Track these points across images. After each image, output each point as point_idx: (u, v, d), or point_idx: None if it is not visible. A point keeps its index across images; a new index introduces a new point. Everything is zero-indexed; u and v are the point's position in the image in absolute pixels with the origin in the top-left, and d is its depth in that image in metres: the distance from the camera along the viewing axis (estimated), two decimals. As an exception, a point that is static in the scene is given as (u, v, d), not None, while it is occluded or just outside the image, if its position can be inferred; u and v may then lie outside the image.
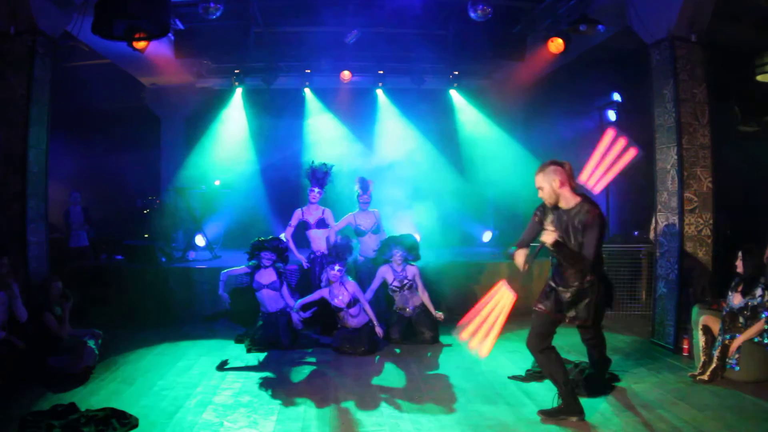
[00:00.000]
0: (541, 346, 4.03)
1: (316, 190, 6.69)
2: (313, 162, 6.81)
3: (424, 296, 6.31)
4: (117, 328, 6.38)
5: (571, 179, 3.97)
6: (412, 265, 6.35)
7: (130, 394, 4.53)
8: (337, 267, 5.85)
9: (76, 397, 4.34)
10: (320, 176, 6.70)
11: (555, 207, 3.99)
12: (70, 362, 4.94)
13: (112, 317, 6.91)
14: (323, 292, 6.00)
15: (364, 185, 6.89)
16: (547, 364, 4.04)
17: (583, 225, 3.84)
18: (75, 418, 3.89)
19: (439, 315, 6.20)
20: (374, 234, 6.87)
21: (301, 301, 5.99)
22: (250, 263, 6.16)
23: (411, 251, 6.31)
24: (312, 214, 6.74)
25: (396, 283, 6.26)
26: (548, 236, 3.83)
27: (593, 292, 3.97)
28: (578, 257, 3.85)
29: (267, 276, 6.09)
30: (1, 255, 5.00)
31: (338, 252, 5.96)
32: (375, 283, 6.32)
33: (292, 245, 6.65)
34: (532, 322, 4.10)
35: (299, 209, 6.84)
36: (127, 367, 5.28)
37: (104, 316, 6.80)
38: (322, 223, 6.72)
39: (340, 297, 5.88)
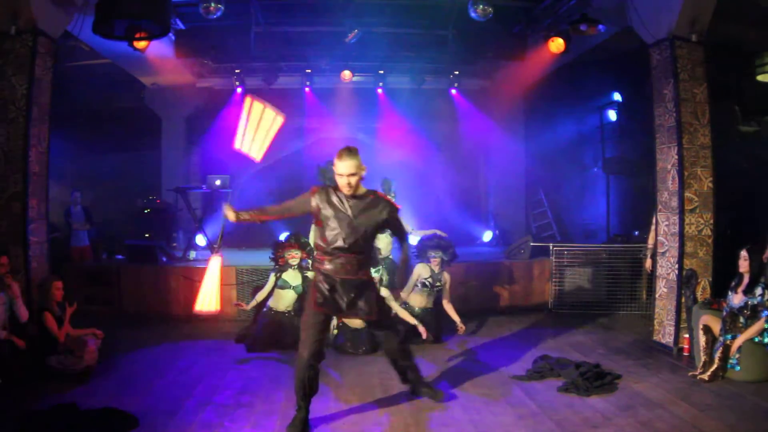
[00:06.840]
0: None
1: None
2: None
3: (448, 307, 6.32)
4: (117, 328, 6.36)
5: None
6: (448, 268, 6.35)
7: (130, 394, 4.52)
8: None
9: (77, 397, 4.34)
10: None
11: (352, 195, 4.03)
12: (71, 362, 4.94)
13: (112, 317, 6.91)
14: None
15: (386, 186, 6.82)
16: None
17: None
18: (75, 418, 3.89)
19: (461, 327, 6.14)
20: (388, 237, 6.69)
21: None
22: (274, 268, 6.13)
23: (448, 253, 6.30)
24: None
25: (430, 280, 6.25)
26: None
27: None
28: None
29: (294, 278, 6.11)
30: (1, 255, 5.00)
31: None
32: (410, 283, 6.27)
33: None
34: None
35: None
36: (128, 367, 5.29)
37: (104, 316, 6.81)
38: None
39: None
